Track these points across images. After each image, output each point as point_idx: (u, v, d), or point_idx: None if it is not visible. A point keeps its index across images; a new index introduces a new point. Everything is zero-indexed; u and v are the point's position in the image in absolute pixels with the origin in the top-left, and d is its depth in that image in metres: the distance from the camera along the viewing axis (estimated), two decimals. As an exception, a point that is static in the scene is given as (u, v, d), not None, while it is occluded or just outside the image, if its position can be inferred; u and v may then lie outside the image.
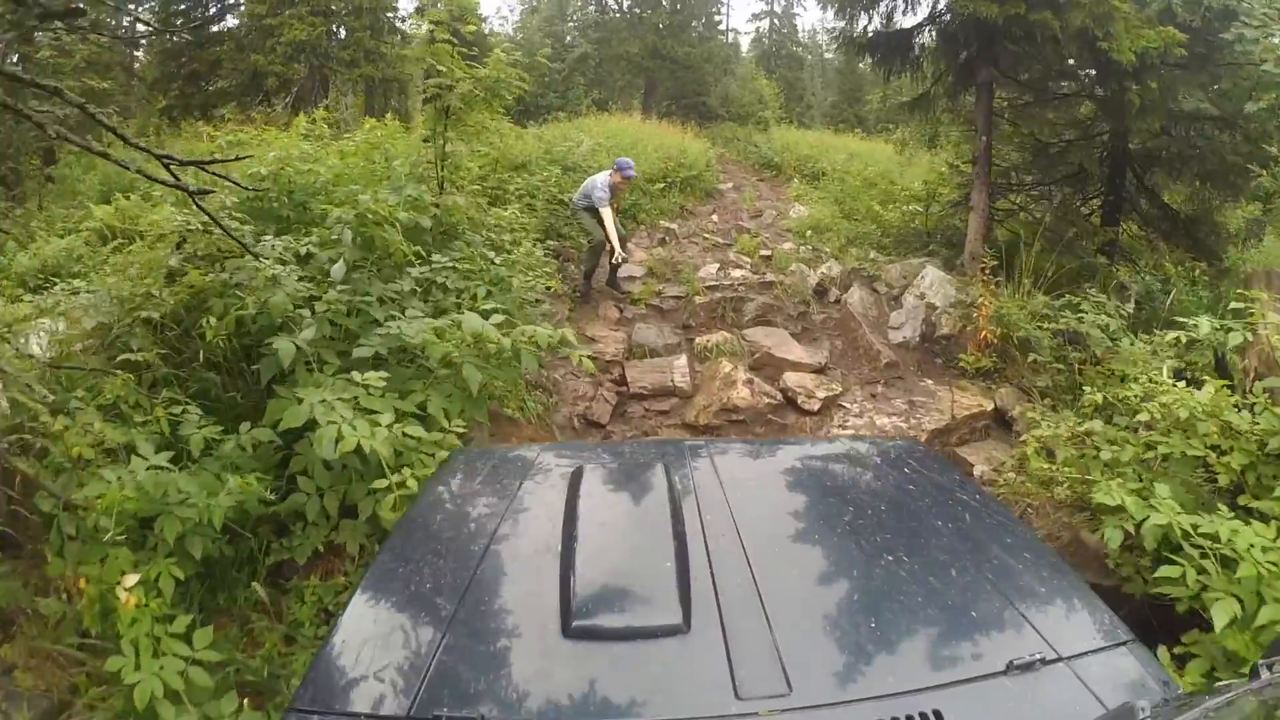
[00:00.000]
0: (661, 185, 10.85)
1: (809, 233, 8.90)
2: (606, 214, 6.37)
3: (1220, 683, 1.59)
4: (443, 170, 4.78)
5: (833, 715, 1.12)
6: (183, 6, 16.00)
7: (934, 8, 5.85)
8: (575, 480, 1.84)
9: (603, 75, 21.40)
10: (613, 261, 6.58)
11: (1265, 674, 1.12)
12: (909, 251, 7.96)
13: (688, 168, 12.20)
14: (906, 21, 6.35)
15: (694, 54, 21.54)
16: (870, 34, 6.63)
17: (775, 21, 35.11)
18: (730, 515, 1.64)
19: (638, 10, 23.44)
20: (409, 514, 1.85)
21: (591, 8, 23.42)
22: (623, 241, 7.23)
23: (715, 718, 1.12)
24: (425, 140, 5.01)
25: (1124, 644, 1.30)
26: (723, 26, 29.49)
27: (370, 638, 1.34)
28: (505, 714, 1.14)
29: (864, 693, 1.16)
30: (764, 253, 8.28)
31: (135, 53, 15.71)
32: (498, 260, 4.58)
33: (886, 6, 6.04)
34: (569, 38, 21.92)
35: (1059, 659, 1.23)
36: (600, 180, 6.52)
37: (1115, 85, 5.61)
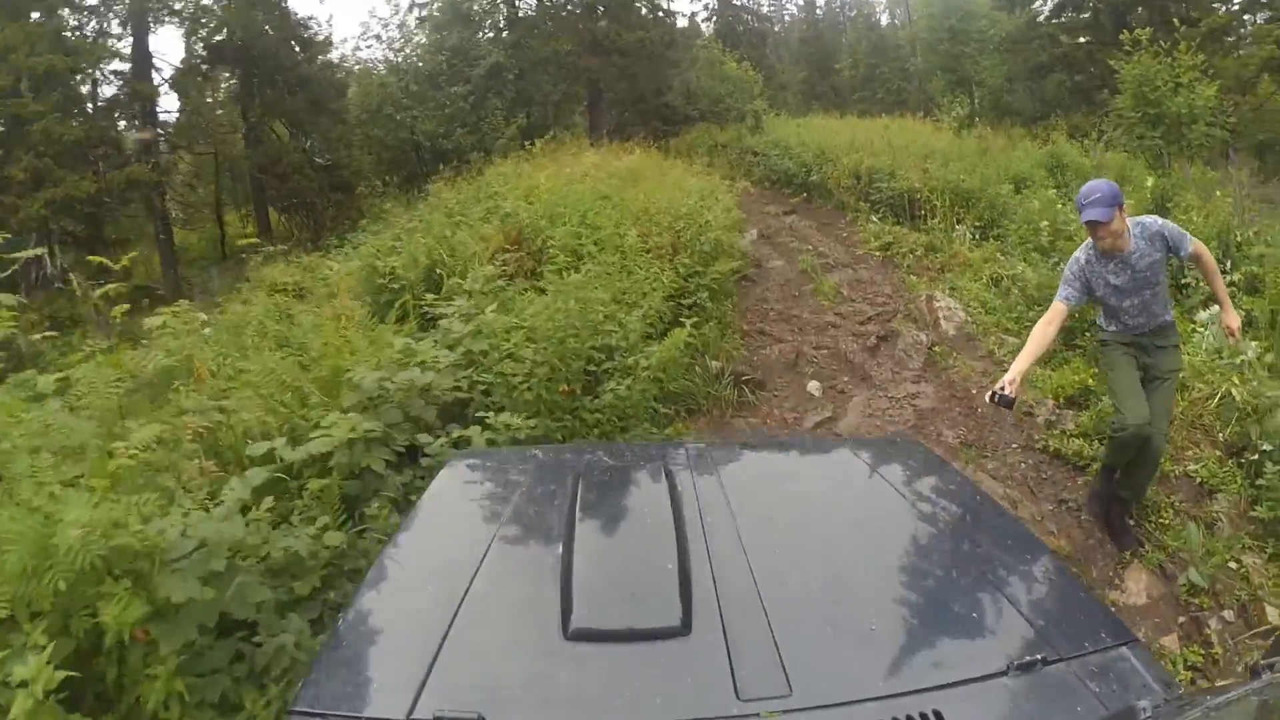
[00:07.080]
0: (687, 305, 5.04)
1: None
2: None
3: (1221, 683, 1.70)
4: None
5: (833, 716, 1.11)
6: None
7: None
8: (576, 481, 1.81)
9: (527, 90, 15.39)
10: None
11: (1266, 674, 1.12)
12: None
13: (712, 241, 6.28)
14: None
15: (648, 40, 15.65)
16: None
17: (724, -8, 29.37)
18: (730, 516, 1.62)
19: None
20: (410, 515, 1.81)
21: (501, 2, 17.31)
22: None
23: (716, 719, 1.10)
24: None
25: (1125, 644, 1.28)
26: (665, 6, 23.71)
27: (371, 639, 1.34)
28: (505, 716, 1.11)
29: (865, 693, 1.14)
30: None
31: None
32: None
33: None
34: (474, 50, 15.82)
35: (1060, 659, 1.21)
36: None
37: None
